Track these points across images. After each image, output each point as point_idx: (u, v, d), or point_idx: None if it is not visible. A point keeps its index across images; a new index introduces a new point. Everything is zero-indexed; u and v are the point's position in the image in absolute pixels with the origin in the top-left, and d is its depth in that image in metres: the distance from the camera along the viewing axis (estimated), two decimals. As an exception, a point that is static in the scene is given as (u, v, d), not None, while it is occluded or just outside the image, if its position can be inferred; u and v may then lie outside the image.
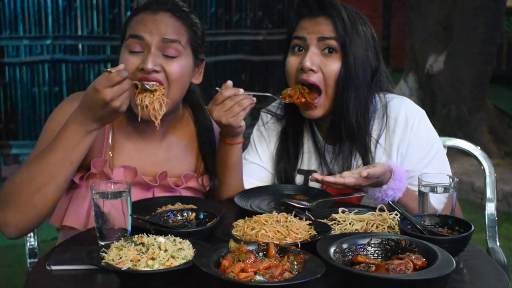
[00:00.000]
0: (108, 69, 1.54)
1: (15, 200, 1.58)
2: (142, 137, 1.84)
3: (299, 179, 1.96)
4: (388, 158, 1.86)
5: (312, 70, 1.78)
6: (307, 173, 1.95)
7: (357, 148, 1.85)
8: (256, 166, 2.00)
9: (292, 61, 1.83)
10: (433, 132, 1.89)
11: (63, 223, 1.75)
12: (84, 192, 1.76)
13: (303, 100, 1.80)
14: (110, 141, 1.79)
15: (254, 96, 1.74)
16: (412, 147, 1.84)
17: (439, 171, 1.77)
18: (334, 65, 1.79)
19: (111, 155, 1.79)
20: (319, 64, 1.79)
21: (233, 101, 1.70)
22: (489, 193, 2.22)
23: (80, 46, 5.84)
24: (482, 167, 2.22)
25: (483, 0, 5.53)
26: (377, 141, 1.86)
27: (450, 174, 1.81)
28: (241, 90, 1.72)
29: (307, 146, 1.96)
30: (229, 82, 1.73)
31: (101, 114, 1.54)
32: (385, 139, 1.87)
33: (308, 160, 1.96)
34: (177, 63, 1.73)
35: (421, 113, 1.87)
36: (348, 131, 1.83)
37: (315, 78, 1.79)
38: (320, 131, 1.95)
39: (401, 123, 1.84)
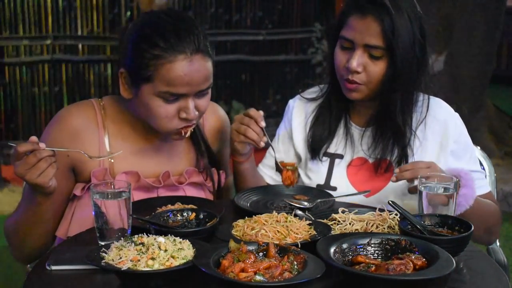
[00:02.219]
0: (13, 144, 1.52)
1: (10, 242, 1.77)
2: (142, 138, 1.81)
3: (324, 160, 1.97)
4: (423, 151, 1.90)
5: (357, 72, 1.81)
6: (332, 156, 1.97)
7: (398, 138, 1.89)
8: (271, 157, 2.04)
9: (340, 56, 1.85)
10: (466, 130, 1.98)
11: (68, 234, 1.73)
12: (87, 202, 1.70)
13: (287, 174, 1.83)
14: (107, 147, 1.76)
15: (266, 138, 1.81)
16: (459, 153, 1.90)
17: (477, 166, 1.95)
18: (379, 67, 1.80)
19: (111, 161, 1.76)
20: (365, 64, 1.81)
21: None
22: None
23: (80, 46, 5.84)
24: (482, 167, 2.21)
25: (483, 0, 5.52)
26: (415, 132, 1.89)
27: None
28: (260, 120, 1.77)
29: (338, 129, 2.00)
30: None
31: (32, 187, 1.55)
32: (424, 132, 1.91)
33: (335, 143, 1.98)
34: (207, 97, 1.73)
35: (457, 114, 1.95)
36: (393, 128, 1.87)
37: (359, 78, 1.82)
38: (354, 115, 1.98)
39: (441, 121, 1.90)
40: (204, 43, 1.65)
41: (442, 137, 1.89)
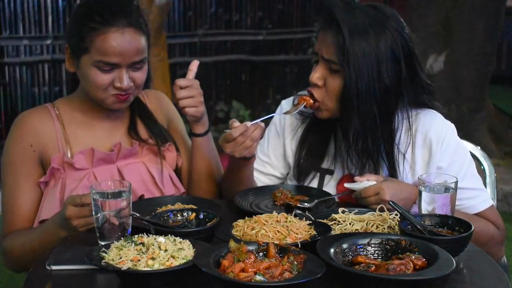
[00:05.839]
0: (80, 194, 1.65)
1: (9, 259, 1.84)
2: (94, 120, 1.90)
3: (315, 177, 1.95)
4: (412, 172, 1.85)
5: (317, 85, 1.79)
6: (324, 172, 1.94)
7: (375, 158, 1.82)
8: (265, 165, 2.02)
9: (312, 71, 1.83)
10: (463, 146, 1.89)
11: (40, 218, 1.78)
12: (53, 184, 1.81)
13: (287, 198, 1.80)
14: (62, 135, 1.85)
15: (262, 120, 1.80)
16: (444, 167, 1.82)
17: (473, 183, 1.83)
18: (335, 82, 1.77)
19: (67, 148, 1.84)
20: (325, 77, 1.79)
21: (245, 137, 1.75)
22: (489, 193, 2.22)
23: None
24: (482, 167, 2.21)
25: (483, 0, 5.52)
26: (404, 155, 1.84)
27: (484, 188, 1.89)
28: (249, 124, 1.75)
29: (329, 144, 1.95)
30: (235, 122, 1.76)
31: (67, 226, 1.63)
32: (411, 153, 1.85)
33: (326, 159, 1.95)
34: (142, 71, 1.82)
35: (451, 128, 1.86)
36: (358, 146, 1.80)
37: (317, 93, 1.80)
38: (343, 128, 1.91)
39: (430, 140, 1.83)
40: (136, 20, 1.80)
41: (429, 155, 1.83)
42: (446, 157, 1.82)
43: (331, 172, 1.93)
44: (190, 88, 1.84)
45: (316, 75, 1.79)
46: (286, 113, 1.91)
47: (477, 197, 1.84)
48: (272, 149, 2.02)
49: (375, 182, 1.76)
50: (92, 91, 1.79)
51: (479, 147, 2.26)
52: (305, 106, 1.83)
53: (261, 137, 1.84)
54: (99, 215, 1.48)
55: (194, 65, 1.90)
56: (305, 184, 1.95)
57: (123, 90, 1.78)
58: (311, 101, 1.83)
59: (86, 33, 1.76)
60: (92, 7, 1.79)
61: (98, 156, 1.83)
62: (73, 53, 1.81)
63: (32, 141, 1.82)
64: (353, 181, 1.81)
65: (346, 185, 1.82)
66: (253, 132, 1.75)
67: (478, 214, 1.83)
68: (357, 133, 1.78)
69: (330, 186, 1.92)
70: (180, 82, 1.84)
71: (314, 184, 1.94)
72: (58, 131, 1.85)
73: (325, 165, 1.95)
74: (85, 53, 1.76)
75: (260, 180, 2.01)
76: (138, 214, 1.54)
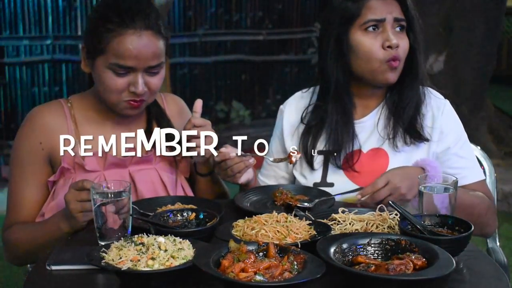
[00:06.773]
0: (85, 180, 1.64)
1: (10, 250, 1.82)
2: (108, 121, 1.86)
3: (318, 159, 1.98)
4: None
5: (398, 46, 1.88)
6: (326, 153, 1.97)
7: (408, 124, 1.93)
8: (274, 169, 2.08)
9: (372, 40, 1.89)
10: (459, 120, 2.01)
11: (46, 217, 1.76)
12: (62, 183, 1.78)
13: (287, 198, 1.80)
14: (74, 134, 1.81)
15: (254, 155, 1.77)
16: (446, 131, 1.94)
17: (469, 154, 1.97)
18: (405, 41, 1.91)
19: (79, 145, 1.80)
20: (397, 39, 1.89)
21: (227, 165, 1.78)
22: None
23: (80, 46, 5.84)
24: (482, 167, 2.21)
25: (483, 0, 5.53)
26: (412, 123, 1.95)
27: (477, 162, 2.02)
28: (233, 154, 1.74)
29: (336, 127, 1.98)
30: (224, 148, 1.77)
31: (66, 212, 1.62)
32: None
33: (331, 141, 1.97)
34: (159, 76, 1.79)
35: (447, 101, 2.00)
36: (409, 106, 1.93)
37: (400, 53, 1.89)
38: (359, 108, 2.00)
39: (432, 107, 1.97)
40: (155, 23, 1.75)
41: (432, 124, 1.94)
42: (447, 123, 1.95)
43: (334, 152, 1.97)
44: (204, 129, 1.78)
45: (395, 38, 1.87)
46: (274, 161, 1.90)
47: (472, 168, 1.95)
48: (275, 152, 2.08)
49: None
50: (105, 94, 1.76)
51: (479, 147, 2.27)
52: (289, 162, 1.80)
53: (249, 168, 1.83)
54: (99, 215, 1.48)
55: (198, 106, 1.83)
56: (316, 169, 1.97)
57: (138, 95, 1.74)
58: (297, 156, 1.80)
59: (102, 34, 1.72)
60: (110, 7, 1.75)
61: (110, 159, 1.81)
62: (88, 53, 1.78)
63: (42, 139, 1.79)
64: (348, 189, 1.86)
65: (342, 197, 1.85)
66: (237, 163, 1.77)
67: (472, 185, 1.92)
68: (409, 97, 1.93)
69: (335, 163, 1.95)
70: (196, 121, 1.78)
71: (319, 164, 1.97)
72: (70, 130, 1.82)
73: (328, 147, 1.97)
74: (100, 55, 1.73)
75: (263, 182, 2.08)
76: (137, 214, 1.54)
